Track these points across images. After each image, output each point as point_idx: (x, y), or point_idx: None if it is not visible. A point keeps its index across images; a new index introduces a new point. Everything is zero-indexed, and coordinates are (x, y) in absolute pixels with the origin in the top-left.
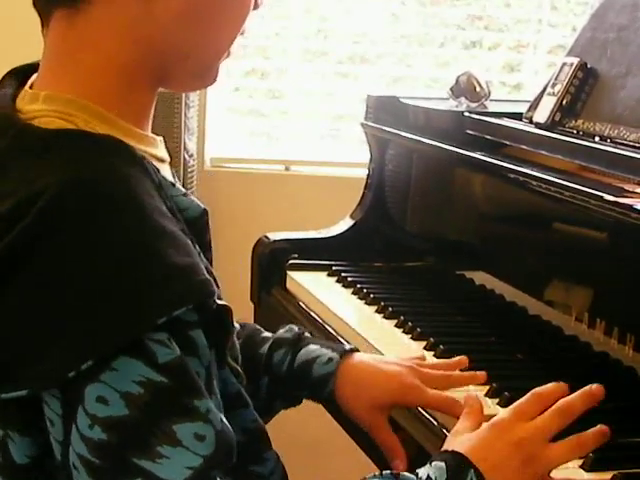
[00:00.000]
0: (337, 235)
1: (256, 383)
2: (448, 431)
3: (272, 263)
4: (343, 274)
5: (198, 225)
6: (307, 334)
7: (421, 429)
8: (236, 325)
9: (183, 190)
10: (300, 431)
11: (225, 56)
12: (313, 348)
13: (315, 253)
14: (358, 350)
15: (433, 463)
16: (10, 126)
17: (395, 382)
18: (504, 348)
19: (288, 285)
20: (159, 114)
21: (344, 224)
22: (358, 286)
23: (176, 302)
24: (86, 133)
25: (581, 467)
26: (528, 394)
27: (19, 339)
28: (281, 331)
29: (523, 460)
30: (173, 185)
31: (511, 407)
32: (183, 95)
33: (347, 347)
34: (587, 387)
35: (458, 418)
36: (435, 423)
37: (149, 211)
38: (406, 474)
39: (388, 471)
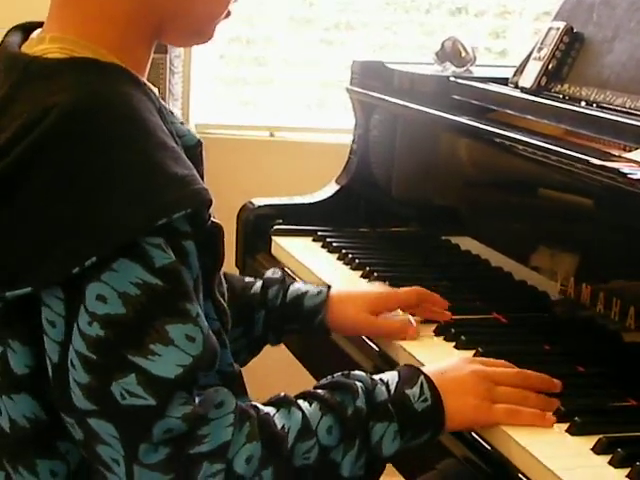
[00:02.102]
0: (322, 200)
1: (251, 319)
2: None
3: (257, 229)
4: (328, 239)
5: (194, 154)
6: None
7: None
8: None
9: (181, 119)
10: None
11: (224, 16)
12: (300, 285)
13: (300, 218)
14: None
15: (388, 372)
16: (20, 62)
17: (371, 292)
18: (489, 313)
19: (273, 251)
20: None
21: (329, 189)
22: (343, 251)
23: (174, 206)
24: (92, 60)
25: (567, 431)
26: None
27: (25, 241)
28: (268, 273)
29: (476, 382)
30: (172, 113)
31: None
32: (167, 61)
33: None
34: (550, 378)
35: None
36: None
37: (151, 126)
38: (357, 372)
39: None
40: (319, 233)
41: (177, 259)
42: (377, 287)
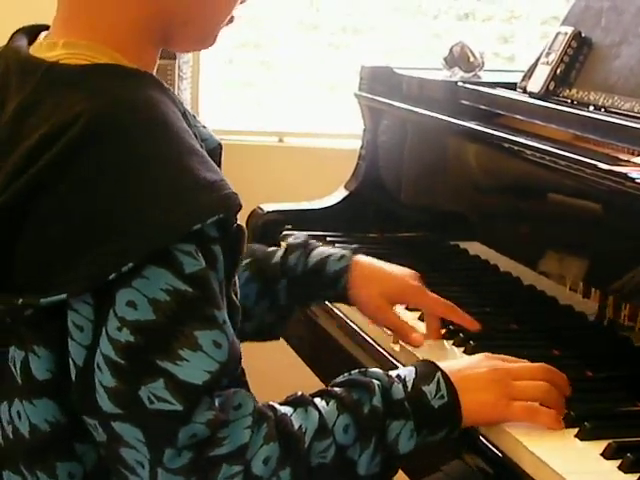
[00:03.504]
0: (331, 206)
1: (274, 290)
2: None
3: (266, 234)
4: (337, 245)
5: (214, 157)
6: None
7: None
8: None
9: (202, 123)
10: None
11: (227, 22)
12: (324, 249)
13: (309, 224)
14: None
15: (405, 367)
16: (36, 67)
17: (400, 280)
18: (498, 318)
19: None
20: None
21: (338, 195)
22: None
23: (207, 212)
24: (115, 65)
25: (576, 436)
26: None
27: (58, 248)
28: (291, 239)
29: (494, 379)
30: (194, 117)
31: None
32: (176, 67)
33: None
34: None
35: (454, 322)
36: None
37: (180, 131)
38: (374, 369)
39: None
40: (328, 238)
41: (207, 265)
42: (407, 274)
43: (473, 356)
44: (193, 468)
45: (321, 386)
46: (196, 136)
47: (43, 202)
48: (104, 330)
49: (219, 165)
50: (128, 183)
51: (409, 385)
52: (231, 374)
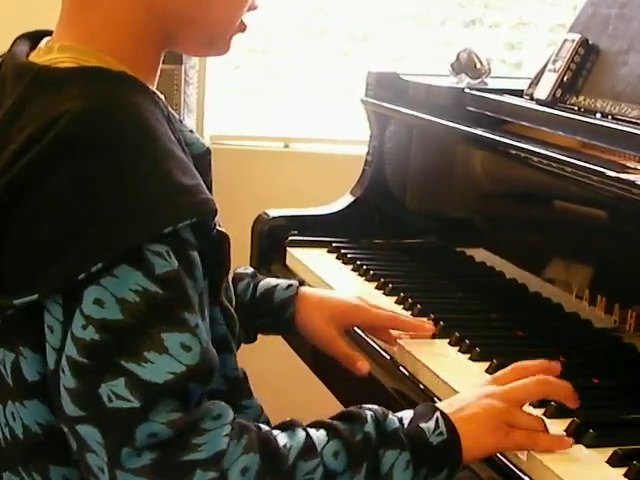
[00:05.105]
0: (337, 212)
1: None
2: None
3: (272, 240)
4: (343, 251)
5: (202, 162)
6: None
7: None
8: None
9: (189, 127)
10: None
11: (238, 29)
12: (271, 279)
13: (315, 230)
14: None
15: (405, 411)
16: (27, 71)
17: (343, 303)
18: (504, 325)
19: (288, 262)
20: (158, 90)
21: (344, 201)
22: (358, 263)
23: (180, 215)
24: (101, 68)
25: (582, 443)
26: (510, 366)
27: (31, 249)
28: (239, 269)
29: (491, 410)
30: (181, 121)
31: (491, 376)
32: (182, 72)
33: (298, 280)
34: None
35: (403, 331)
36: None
37: (159, 135)
38: (370, 405)
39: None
40: (334, 244)
41: (181, 269)
42: (351, 297)
43: (469, 391)
44: (158, 470)
45: (327, 394)
46: (180, 141)
47: (24, 204)
48: (69, 331)
49: (208, 170)
50: (103, 185)
51: (406, 422)
52: (203, 382)
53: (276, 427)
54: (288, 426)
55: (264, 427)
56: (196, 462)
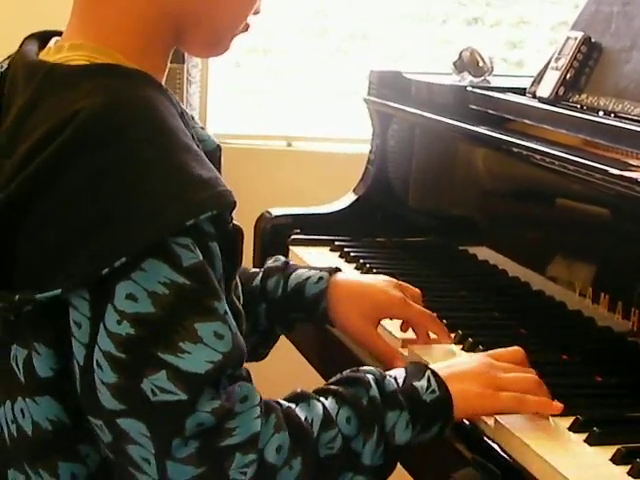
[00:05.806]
0: (340, 210)
1: (255, 313)
2: None
3: (274, 238)
4: (346, 249)
5: (213, 159)
6: (293, 262)
7: None
8: None
9: (201, 124)
10: None
11: (241, 29)
12: (302, 271)
13: (317, 228)
14: (340, 270)
15: (394, 369)
16: (39, 69)
17: (382, 294)
18: (507, 323)
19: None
20: None
21: (347, 199)
22: (361, 261)
23: (202, 207)
24: (115, 65)
25: (585, 441)
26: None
27: (54, 242)
28: (269, 262)
29: (480, 368)
30: (193, 118)
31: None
32: (185, 71)
33: (333, 266)
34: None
35: (435, 333)
36: None
37: (175, 130)
38: (366, 367)
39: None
40: (336, 243)
41: (204, 259)
42: (387, 285)
43: (463, 358)
44: (202, 457)
45: None
46: (193, 137)
47: (42, 200)
48: (102, 326)
49: (219, 167)
50: (123, 180)
51: (400, 381)
52: (236, 366)
53: (288, 399)
54: (300, 397)
55: (283, 403)
56: (234, 446)
